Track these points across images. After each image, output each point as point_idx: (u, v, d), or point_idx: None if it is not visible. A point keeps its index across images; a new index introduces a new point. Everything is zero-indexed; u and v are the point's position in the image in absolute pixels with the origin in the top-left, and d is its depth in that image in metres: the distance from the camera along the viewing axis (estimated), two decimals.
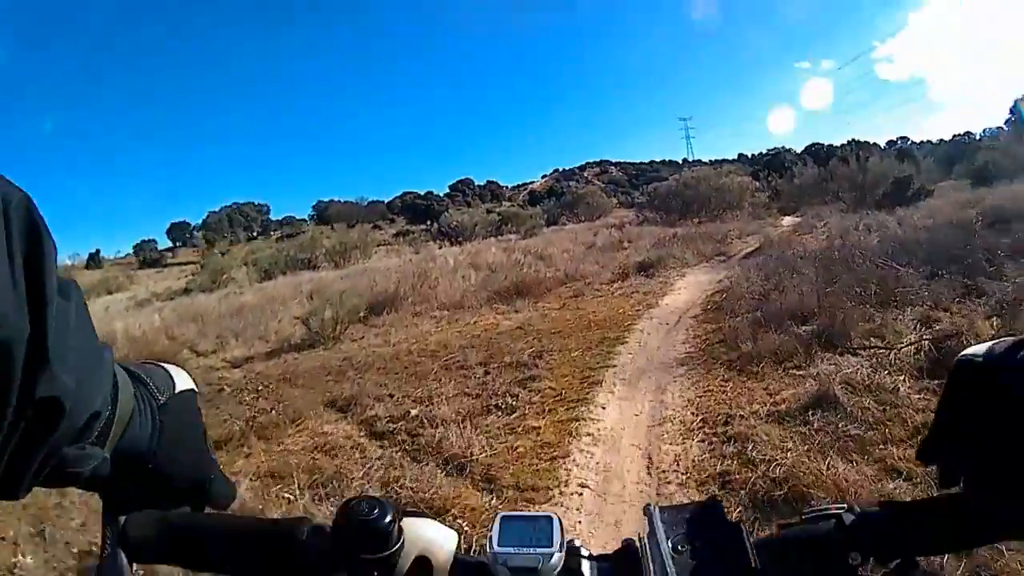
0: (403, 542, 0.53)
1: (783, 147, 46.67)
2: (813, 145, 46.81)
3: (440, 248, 24.22)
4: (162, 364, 0.58)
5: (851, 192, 22.42)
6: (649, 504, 0.61)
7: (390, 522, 0.52)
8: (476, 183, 64.99)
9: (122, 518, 0.55)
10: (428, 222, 42.91)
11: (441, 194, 61.23)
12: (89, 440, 0.44)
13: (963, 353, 0.53)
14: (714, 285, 10.13)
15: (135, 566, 0.55)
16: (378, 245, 28.12)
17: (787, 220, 25.01)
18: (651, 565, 0.54)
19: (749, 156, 43.16)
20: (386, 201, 59.04)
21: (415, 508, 1.82)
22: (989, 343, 0.52)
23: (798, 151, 46.40)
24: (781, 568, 0.55)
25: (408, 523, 0.54)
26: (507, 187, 66.83)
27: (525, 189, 64.91)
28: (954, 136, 36.61)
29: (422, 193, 59.46)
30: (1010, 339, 0.51)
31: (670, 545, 0.56)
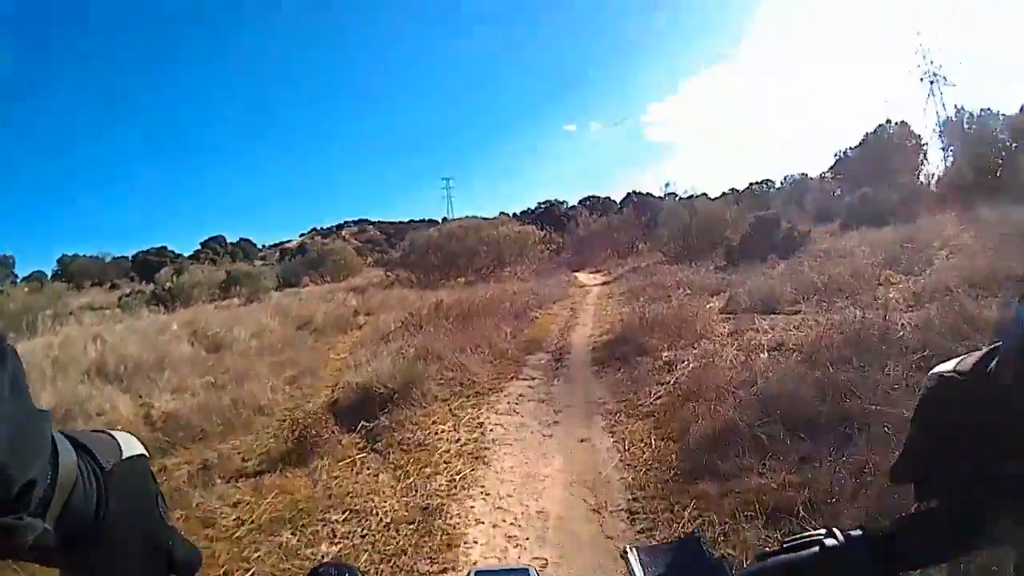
0: None
1: (556, 199, 43.08)
2: (589, 197, 44.47)
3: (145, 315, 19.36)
4: (107, 431, 0.55)
5: (674, 241, 18.45)
6: (626, 547, 0.62)
7: None
8: (228, 240, 59.57)
9: None
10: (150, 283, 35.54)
11: (187, 253, 54.27)
12: (27, 511, 0.42)
13: (933, 370, 0.55)
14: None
15: None
16: (95, 309, 23.29)
17: (585, 277, 20.52)
18: None
19: (518, 212, 39.25)
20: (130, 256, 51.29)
21: None
22: (957, 358, 0.54)
23: (572, 203, 43.38)
24: None
25: None
26: (263, 245, 62.75)
27: (280, 248, 60.79)
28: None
29: (156, 248, 52.85)
30: (978, 352, 0.52)
31: None
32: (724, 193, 27.09)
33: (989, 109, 21.28)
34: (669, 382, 5.95)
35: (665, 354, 6.94)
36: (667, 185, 29.73)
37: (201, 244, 57.88)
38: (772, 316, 8.20)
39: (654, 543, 0.66)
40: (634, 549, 0.60)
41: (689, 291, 11.71)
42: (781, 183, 38.98)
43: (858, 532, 0.56)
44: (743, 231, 17.21)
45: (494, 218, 27.47)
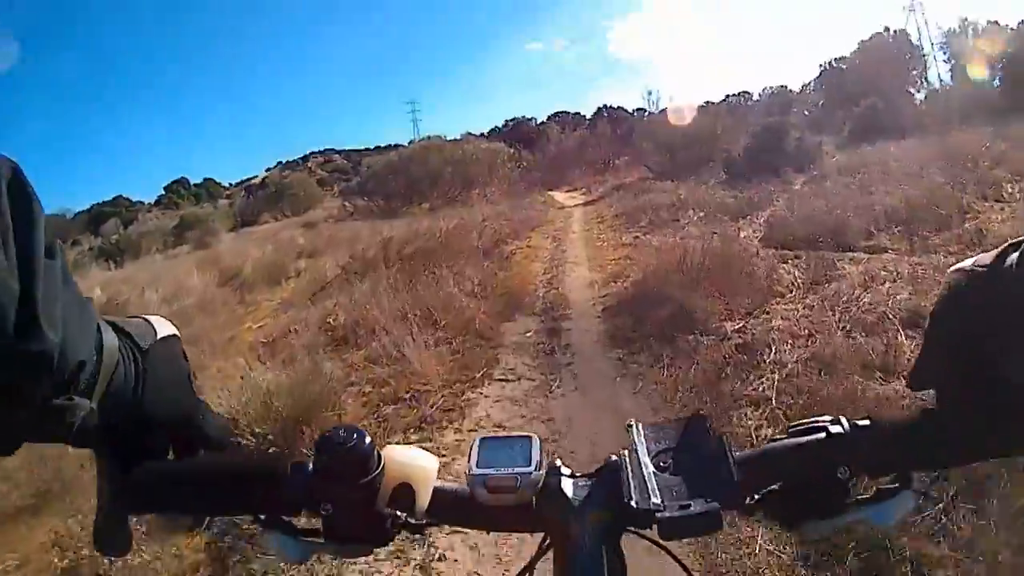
0: (383, 468, 0.53)
1: (523, 116, 39.93)
2: (559, 113, 41.00)
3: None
4: (143, 316, 0.57)
5: (660, 154, 16.16)
6: (631, 420, 0.60)
7: (369, 447, 0.53)
8: (192, 182, 58.19)
9: (115, 472, 0.53)
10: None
11: (150, 199, 52.74)
12: (76, 392, 0.44)
13: (952, 268, 0.53)
14: None
15: (133, 519, 0.55)
16: None
17: (562, 196, 18.19)
18: (632, 481, 0.53)
19: (485, 132, 35.73)
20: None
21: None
22: (976, 255, 0.51)
23: (541, 120, 39.99)
24: (766, 482, 0.54)
25: (389, 450, 0.55)
26: (228, 184, 60.14)
27: (245, 185, 56.86)
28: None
29: (110, 199, 49.95)
30: (996, 249, 0.49)
31: (652, 461, 0.55)
32: (700, 105, 24.77)
33: (996, 21, 19.20)
34: (764, 389, 3.42)
35: (729, 325, 4.49)
36: (649, 94, 26.62)
37: (164, 189, 57.70)
38: (851, 255, 5.89)
39: (659, 421, 0.64)
40: (639, 424, 0.58)
41: (702, 213, 9.35)
42: (760, 95, 36.86)
43: (865, 422, 0.53)
44: (745, 142, 14.82)
45: (459, 139, 24.49)
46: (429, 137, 22.55)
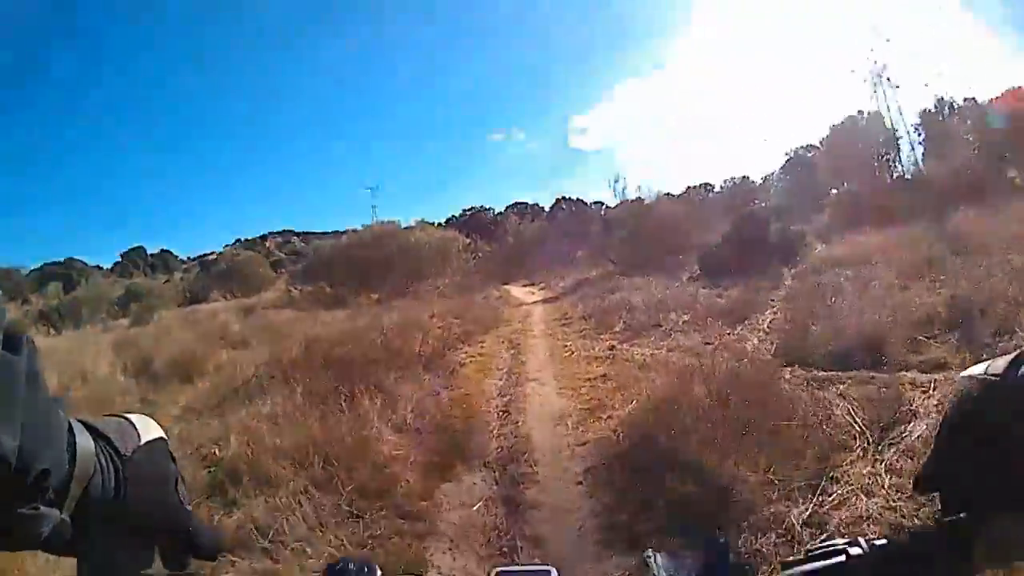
0: None
1: (481, 206, 39.11)
2: (517, 203, 40.14)
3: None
4: (126, 416, 0.55)
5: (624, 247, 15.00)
6: (648, 551, 0.59)
7: None
8: (148, 252, 52.58)
9: None
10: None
11: (107, 264, 47.76)
12: (43, 500, 0.41)
13: (963, 373, 0.53)
14: None
15: None
16: None
17: (519, 291, 16.81)
18: None
19: (442, 222, 34.53)
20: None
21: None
22: (985, 362, 0.52)
23: (500, 209, 39.11)
24: None
25: None
26: (186, 258, 55.01)
27: (201, 260, 53.01)
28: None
29: (62, 260, 45.07)
30: (1007, 356, 0.50)
31: None
32: (666, 195, 24.02)
33: (974, 99, 19.05)
34: None
35: (790, 511, 2.73)
36: (616, 181, 25.77)
37: (121, 255, 52.68)
38: (907, 375, 4.34)
39: (676, 550, 0.57)
40: (656, 554, 0.57)
41: (687, 316, 7.84)
42: (721, 186, 36.85)
43: (883, 541, 0.54)
44: (723, 232, 13.70)
45: (412, 225, 22.83)
46: (382, 222, 21.13)
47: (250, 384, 7.06)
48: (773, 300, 7.95)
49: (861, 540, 0.54)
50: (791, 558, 0.57)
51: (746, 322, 7.13)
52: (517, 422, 5.09)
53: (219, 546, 0.57)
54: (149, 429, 0.53)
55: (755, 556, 2.47)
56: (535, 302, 14.95)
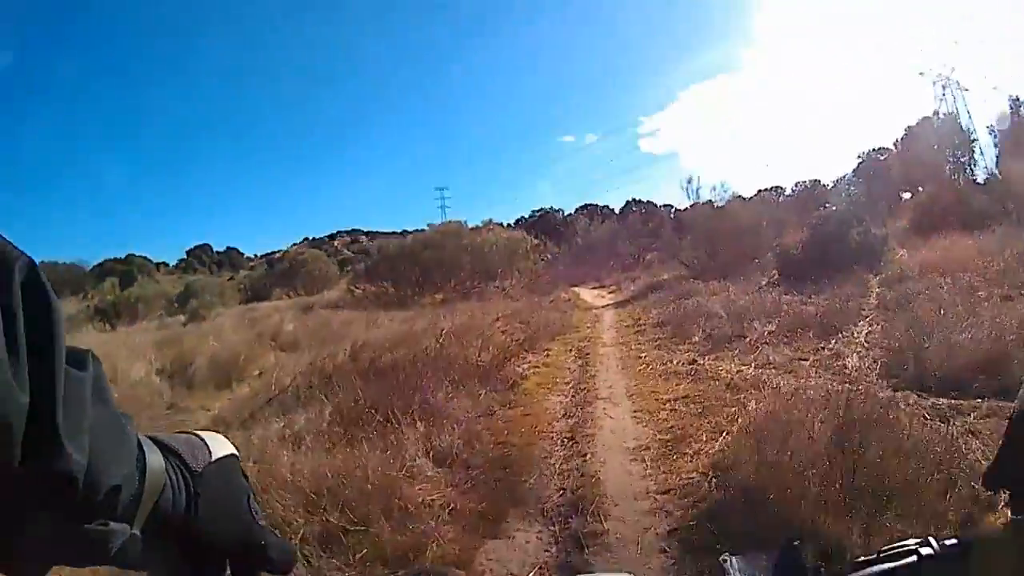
0: None
1: (551, 207, 38.91)
2: (587, 205, 39.68)
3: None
4: (197, 432, 0.55)
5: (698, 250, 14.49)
6: (725, 555, 0.58)
7: None
8: (215, 250, 55.72)
9: None
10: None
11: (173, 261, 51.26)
12: (113, 516, 0.41)
13: None
14: None
15: None
16: None
17: (588, 294, 16.46)
18: None
19: (511, 223, 34.24)
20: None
21: None
22: None
23: (569, 212, 38.76)
24: None
25: None
26: (253, 256, 58.00)
27: (268, 258, 55.84)
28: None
29: (123, 257, 47.36)
30: None
31: None
32: (739, 198, 23.19)
33: None
34: None
35: None
36: (689, 182, 25.03)
37: (187, 252, 55.99)
38: None
39: (751, 553, 0.56)
40: (732, 557, 0.57)
41: (772, 327, 7.33)
42: (793, 189, 35.67)
43: (953, 541, 0.53)
44: (802, 236, 12.97)
45: (480, 225, 22.40)
46: (449, 221, 21.04)
47: (286, 393, 6.76)
48: (864, 310, 7.35)
49: (932, 540, 0.53)
50: (862, 558, 0.56)
51: (840, 335, 6.57)
52: (584, 455, 4.54)
53: (292, 560, 0.57)
54: (221, 446, 0.54)
55: None
56: (605, 306, 14.54)
